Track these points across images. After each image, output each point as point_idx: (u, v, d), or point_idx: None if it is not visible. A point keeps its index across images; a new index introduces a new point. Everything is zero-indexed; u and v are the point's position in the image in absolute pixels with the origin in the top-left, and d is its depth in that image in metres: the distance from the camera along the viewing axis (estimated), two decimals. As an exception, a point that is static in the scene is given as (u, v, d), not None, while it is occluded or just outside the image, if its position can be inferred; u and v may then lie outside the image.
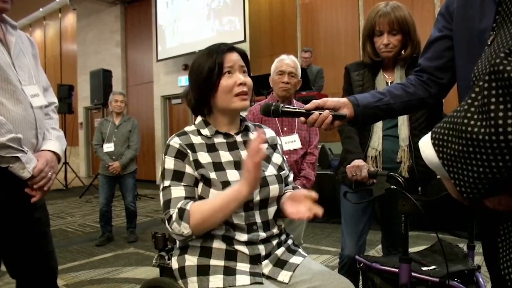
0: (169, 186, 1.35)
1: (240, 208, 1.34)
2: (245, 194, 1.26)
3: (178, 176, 1.35)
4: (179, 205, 1.30)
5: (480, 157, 0.60)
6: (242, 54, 1.48)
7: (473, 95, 0.62)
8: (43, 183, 1.51)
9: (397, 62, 1.99)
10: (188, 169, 1.35)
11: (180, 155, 1.36)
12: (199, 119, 1.49)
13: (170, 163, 1.36)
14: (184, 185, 1.34)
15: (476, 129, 0.60)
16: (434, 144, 0.69)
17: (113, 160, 4.44)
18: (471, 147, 0.61)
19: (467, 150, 0.62)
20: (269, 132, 1.60)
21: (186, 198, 1.33)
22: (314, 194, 1.35)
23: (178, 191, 1.33)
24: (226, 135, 1.46)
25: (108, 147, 4.50)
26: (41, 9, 13.99)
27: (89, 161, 12.57)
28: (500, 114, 0.57)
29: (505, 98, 0.57)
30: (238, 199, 1.27)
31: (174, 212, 1.30)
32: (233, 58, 1.42)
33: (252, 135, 1.52)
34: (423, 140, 0.73)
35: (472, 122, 0.61)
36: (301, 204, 1.35)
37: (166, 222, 1.32)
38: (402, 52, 1.96)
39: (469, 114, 0.62)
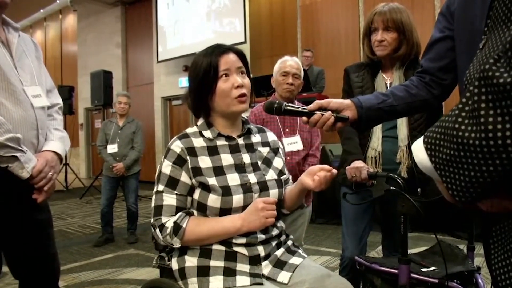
0: (162, 191, 1.36)
1: (238, 212, 1.36)
2: (242, 232, 1.33)
3: (172, 183, 1.36)
4: (175, 219, 1.33)
5: (471, 161, 0.61)
6: (240, 54, 1.46)
7: (463, 99, 0.63)
8: (43, 183, 1.51)
9: (394, 62, 2.00)
10: (184, 177, 1.36)
11: (179, 161, 1.36)
12: (201, 120, 1.48)
13: (167, 168, 1.37)
14: (177, 194, 1.36)
15: (467, 134, 0.61)
16: (426, 148, 0.70)
17: (117, 161, 4.45)
18: (462, 152, 0.62)
19: (458, 154, 0.62)
20: (271, 136, 1.60)
21: (177, 208, 1.35)
22: (327, 167, 1.39)
23: (170, 199, 1.35)
24: (228, 138, 1.45)
25: (112, 148, 4.51)
26: (41, 10, 14.02)
27: (89, 162, 12.58)
28: (490, 119, 0.58)
29: (494, 103, 0.57)
30: (234, 234, 1.33)
31: (169, 225, 1.32)
32: (229, 59, 1.40)
33: (255, 138, 1.52)
34: (416, 144, 0.74)
35: (463, 127, 0.61)
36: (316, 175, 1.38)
37: (157, 229, 1.35)
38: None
39: (460, 119, 0.62)
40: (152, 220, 1.37)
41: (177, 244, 1.33)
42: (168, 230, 1.32)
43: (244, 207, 1.36)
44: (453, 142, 0.63)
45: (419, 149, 0.72)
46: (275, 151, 1.55)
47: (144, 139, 4.71)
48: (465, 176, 0.63)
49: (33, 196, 1.51)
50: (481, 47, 0.76)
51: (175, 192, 1.36)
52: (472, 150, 0.60)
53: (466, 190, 0.64)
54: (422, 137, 0.73)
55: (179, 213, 1.34)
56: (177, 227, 1.31)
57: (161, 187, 1.37)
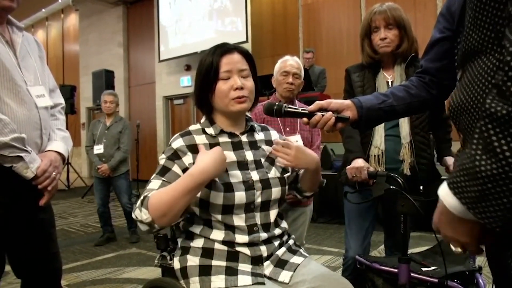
0: (153, 178, 1.36)
1: (241, 211, 1.36)
2: (202, 182, 1.24)
3: (163, 171, 1.36)
4: (145, 193, 1.29)
5: (499, 189, 0.65)
6: (245, 54, 1.45)
7: (476, 136, 0.68)
8: (47, 183, 1.51)
9: (395, 59, 2.01)
10: (176, 168, 1.35)
11: (174, 156, 1.37)
12: (204, 118, 1.49)
13: (162, 160, 1.39)
14: (163, 180, 1.33)
15: (488, 167, 0.65)
16: (454, 193, 0.73)
17: (103, 162, 4.37)
18: (488, 184, 0.66)
19: (486, 187, 0.66)
20: (275, 135, 1.59)
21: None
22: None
23: (155, 183, 1.32)
24: (231, 135, 1.45)
25: (98, 148, 4.41)
26: (43, 10, 14.03)
27: (91, 162, 12.53)
28: (504, 148, 0.63)
29: (503, 133, 0.63)
30: (197, 180, 1.23)
31: (139, 200, 1.28)
32: (232, 60, 1.39)
33: (258, 136, 1.52)
34: (442, 192, 0.76)
35: (483, 162, 0.66)
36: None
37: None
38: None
39: (478, 157, 0.67)
40: None
41: (145, 215, 1.22)
42: (138, 203, 1.27)
43: (246, 205, 1.35)
44: (477, 178, 0.67)
45: (447, 195, 0.75)
46: None
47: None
48: (498, 205, 0.66)
49: (37, 196, 1.52)
50: (458, 78, 0.84)
51: (162, 178, 1.34)
52: (496, 179, 0.65)
53: (503, 218, 0.67)
54: (445, 184, 0.76)
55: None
56: (144, 199, 1.26)
57: (153, 175, 1.37)
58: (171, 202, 1.22)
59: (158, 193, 1.26)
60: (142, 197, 1.28)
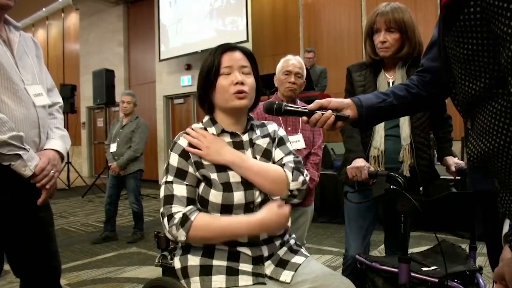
0: (172, 182, 1.35)
1: (241, 211, 1.35)
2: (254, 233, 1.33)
3: (181, 174, 1.36)
4: (185, 210, 1.30)
5: None
6: (247, 54, 1.46)
7: None
8: (45, 182, 1.51)
9: (397, 62, 2.00)
10: (191, 170, 1.36)
11: (184, 155, 1.37)
12: (207, 117, 1.49)
13: (174, 159, 1.37)
14: (186, 184, 1.35)
15: None
16: None
17: (115, 160, 4.49)
18: None
19: None
20: (272, 127, 1.56)
21: (188, 198, 1.33)
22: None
23: (180, 189, 1.33)
24: (233, 135, 1.45)
25: (112, 147, 4.58)
26: (44, 9, 14.03)
27: (91, 161, 12.59)
28: None
29: None
30: (246, 234, 1.33)
31: (177, 216, 1.29)
32: (233, 58, 1.41)
33: (257, 133, 1.50)
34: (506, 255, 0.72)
35: None
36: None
37: (166, 218, 1.31)
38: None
39: None
40: (161, 209, 1.33)
41: (181, 237, 1.28)
42: (176, 221, 1.28)
43: (246, 204, 1.35)
44: None
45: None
46: (274, 141, 1.52)
47: (144, 137, 4.65)
48: None
49: (36, 195, 1.51)
50: (470, 127, 0.85)
51: (185, 182, 1.35)
52: None
53: None
54: (508, 249, 0.71)
55: (190, 206, 1.32)
56: (185, 219, 1.28)
57: (170, 178, 1.36)
58: (216, 236, 1.31)
59: (206, 220, 1.31)
60: (181, 215, 1.29)
